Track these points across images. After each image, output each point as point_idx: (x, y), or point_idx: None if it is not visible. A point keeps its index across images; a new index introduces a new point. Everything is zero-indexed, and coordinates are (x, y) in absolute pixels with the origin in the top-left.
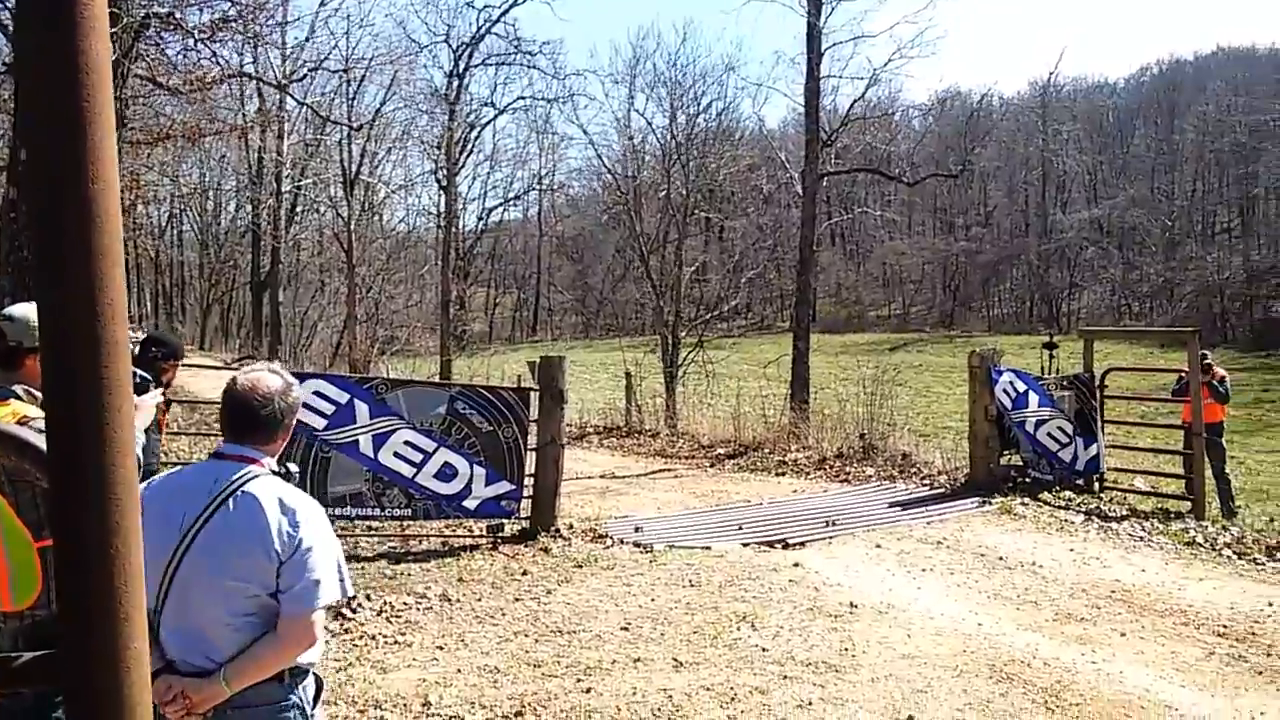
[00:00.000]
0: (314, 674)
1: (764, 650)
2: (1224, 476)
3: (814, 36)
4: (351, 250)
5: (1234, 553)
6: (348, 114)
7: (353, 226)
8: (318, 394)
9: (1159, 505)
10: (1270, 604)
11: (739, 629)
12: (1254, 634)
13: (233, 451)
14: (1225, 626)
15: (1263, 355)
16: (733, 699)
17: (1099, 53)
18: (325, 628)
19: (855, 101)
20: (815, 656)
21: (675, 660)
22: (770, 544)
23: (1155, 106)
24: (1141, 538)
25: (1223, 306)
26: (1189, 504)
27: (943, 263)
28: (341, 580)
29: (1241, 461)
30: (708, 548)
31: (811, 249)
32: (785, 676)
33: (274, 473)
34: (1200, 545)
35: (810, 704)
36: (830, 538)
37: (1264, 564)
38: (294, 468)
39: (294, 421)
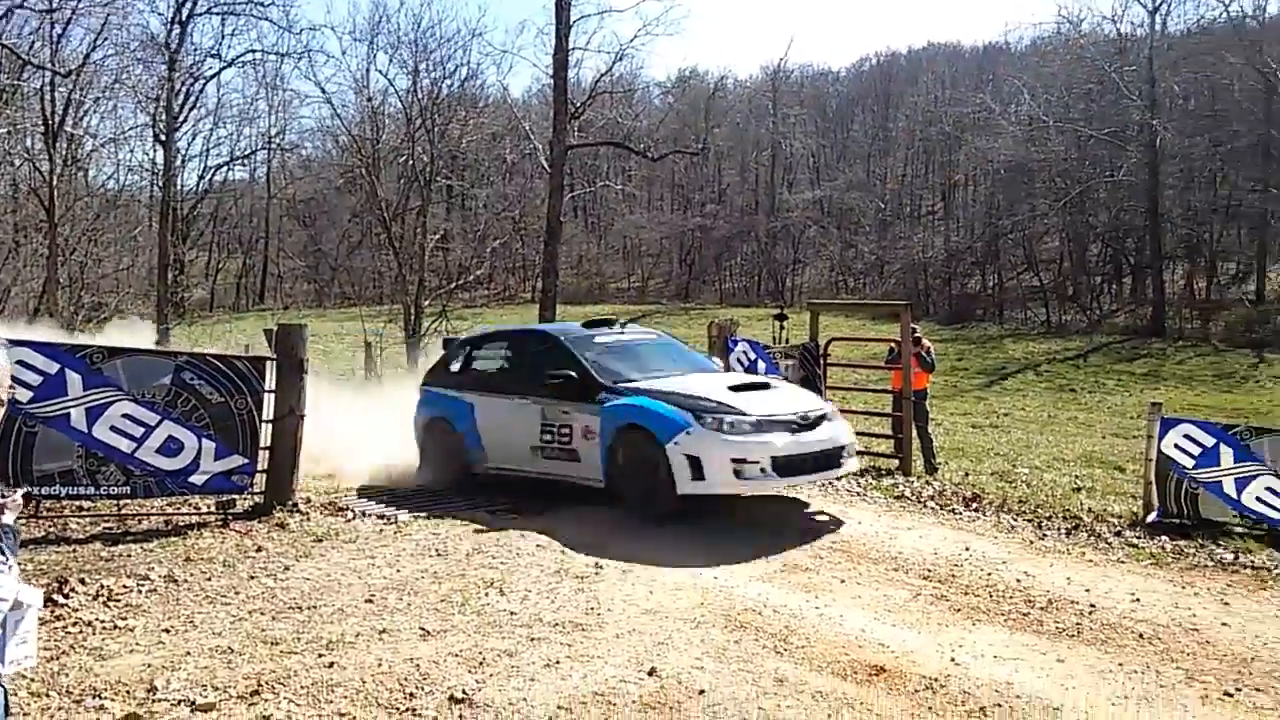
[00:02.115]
0: None
1: (512, 614)
2: (927, 436)
3: (563, 7)
4: (53, 208)
5: (936, 504)
6: (51, 58)
7: (54, 182)
8: (21, 363)
9: (872, 464)
10: (967, 548)
11: (487, 595)
12: (954, 576)
13: None
14: (930, 570)
15: (958, 327)
16: (481, 663)
17: (824, 42)
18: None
19: (602, 75)
20: (562, 617)
21: (422, 629)
22: (518, 512)
23: (873, 95)
24: (858, 493)
25: (926, 283)
26: (898, 462)
27: (679, 237)
28: None
29: (940, 423)
30: (455, 517)
31: (559, 220)
32: (533, 638)
33: None
34: (908, 499)
35: (558, 663)
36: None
37: (961, 513)
38: None
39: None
